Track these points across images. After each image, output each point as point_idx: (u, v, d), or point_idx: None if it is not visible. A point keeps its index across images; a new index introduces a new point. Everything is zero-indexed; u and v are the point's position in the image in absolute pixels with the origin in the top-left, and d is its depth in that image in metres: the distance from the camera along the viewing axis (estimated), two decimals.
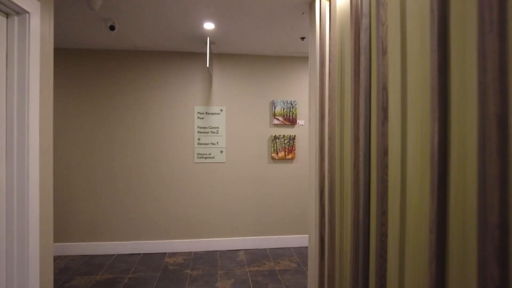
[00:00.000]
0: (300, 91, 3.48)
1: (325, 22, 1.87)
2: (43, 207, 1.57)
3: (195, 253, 3.28)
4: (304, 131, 3.48)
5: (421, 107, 1.08)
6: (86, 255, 3.18)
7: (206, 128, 3.34)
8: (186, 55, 3.32)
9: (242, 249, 3.37)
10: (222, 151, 3.36)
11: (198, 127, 3.33)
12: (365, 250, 1.44)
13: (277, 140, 3.41)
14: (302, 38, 2.83)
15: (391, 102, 1.21)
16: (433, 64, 0.99)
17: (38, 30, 1.52)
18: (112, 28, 2.48)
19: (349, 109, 1.64)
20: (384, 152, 1.22)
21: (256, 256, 3.21)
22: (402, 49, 1.19)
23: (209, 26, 2.58)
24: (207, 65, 2.67)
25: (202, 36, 2.82)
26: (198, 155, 3.33)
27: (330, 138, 1.74)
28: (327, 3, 1.84)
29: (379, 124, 1.24)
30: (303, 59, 3.47)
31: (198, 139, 3.33)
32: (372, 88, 1.42)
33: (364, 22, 1.46)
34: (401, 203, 1.19)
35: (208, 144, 3.35)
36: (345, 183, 1.70)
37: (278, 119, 3.42)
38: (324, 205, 1.87)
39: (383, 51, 1.23)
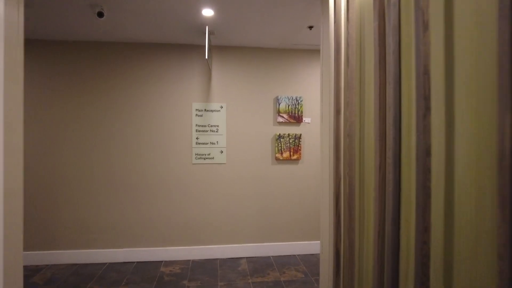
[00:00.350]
0: (307, 87, 3.23)
1: (341, 2, 1.62)
2: (9, 214, 1.32)
3: (193, 261, 3.03)
4: (311, 129, 3.23)
5: (478, 94, 0.84)
6: (76, 264, 2.94)
7: (205, 126, 3.10)
8: (183, 47, 3.08)
9: (244, 257, 3.13)
10: (222, 151, 3.12)
11: (196, 125, 3.09)
12: (393, 271, 1.20)
13: (281, 139, 3.16)
14: (310, 27, 2.58)
15: (435, 89, 0.96)
16: (503, 36, 0.74)
17: (2, 12, 1.28)
18: (100, 14, 2.23)
19: (372, 101, 1.39)
20: (426, 152, 0.97)
21: (260, 264, 2.96)
22: (447, 22, 0.94)
23: (208, 12, 2.33)
24: (206, 57, 2.42)
25: (200, 25, 2.57)
26: (196, 155, 3.08)
27: (349, 136, 1.49)
28: None
29: (419, 117, 0.99)
30: (310, 52, 3.22)
31: (197, 138, 3.09)
32: (404, 74, 1.17)
33: None
34: (446, 217, 0.94)
35: (207, 143, 3.10)
36: (366, 188, 1.45)
37: (282, 117, 3.17)
38: (341, 213, 1.62)
39: (424, 26, 0.98)
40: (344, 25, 1.59)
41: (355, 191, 1.48)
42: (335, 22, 1.66)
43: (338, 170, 1.62)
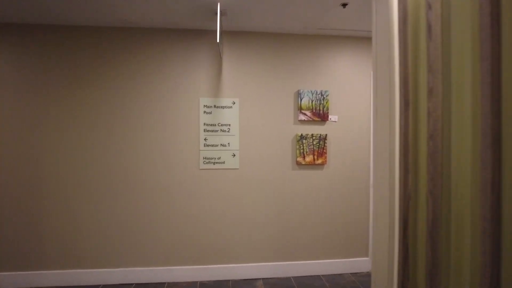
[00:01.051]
0: (333, 79, 2.77)
1: None
2: None
3: (202, 283, 2.59)
4: (338, 129, 2.77)
5: None
6: (65, 287, 2.51)
7: (214, 125, 2.66)
8: (189, 33, 2.64)
9: (260, 278, 2.68)
10: (234, 155, 2.68)
11: (204, 124, 2.65)
12: None
13: (303, 141, 2.71)
14: (344, 5, 2.13)
15: None
16: None
17: None
18: None
19: (469, 87, 0.94)
20: None
21: (279, 287, 2.52)
22: None
23: None
24: (218, 40, 1.98)
25: (210, 3, 2.13)
26: (204, 159, 2.64)
27: (432, 138, 1.03)
28: None
29: None
30: (339, 38, 2.76)
31: (205, 139, 2.65)
32: None
33: None
34: None
35: (217, 145, 2.66)
36: (456, 213, 1.00)
37: (305, 114, 2.72)
38: (409, 244, 1.17)
39: None
40: None
41: (441, 217, 1.02)
42: None
43: (406, 185, 1.17)
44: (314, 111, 2.72)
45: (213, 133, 2.66)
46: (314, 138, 2.71)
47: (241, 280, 2.65)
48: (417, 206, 1.19)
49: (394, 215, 1.25)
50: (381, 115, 1.31)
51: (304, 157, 2.71)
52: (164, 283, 2.59)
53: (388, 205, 1.29)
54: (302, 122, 2.74)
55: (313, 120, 2.74)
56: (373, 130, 1.35)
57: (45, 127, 2.51)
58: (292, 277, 2.71)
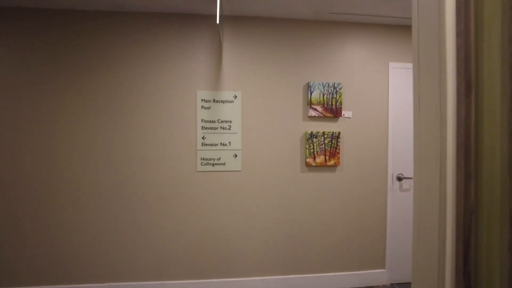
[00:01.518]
0: (347, 70, 2.48)
1: None
2: None
3: None
4: (353, 126, 2.48)
5: None
6: None
7: (213, 122, 2.37)
8: (186, 18, 2.35)
9: None
10: (236, 155, 2.39)
11: (202, 120, 2.36)
12: None
13: (314, 139, 2.42)
14: None
15: None
16: None
17: None
18: None
19: None
20: None
21: None
22: None
23: None
24: (217, 21, 1.70)
25: None
26: (202, 160, 2.36)
27: None
28: None
29: None
30: (355, 25, 2.47)
31: (203, 137, 2.36)
32: None
33: None
34: None
35: (216, 144, 2.37)
36: None
37: (315, 110, 2.43)
38: (471, 274, 0.88)
39: None
40: None
41: None
42: None
43: (468, 196, 0.88)
44: (325, 106, 2.43)
45: (212, 131, 2.37)
46: (325, 136, 2.42)
47: None
48: (479, 225, 0.90)
49: (445, 234, 0.96)
50: (428, 105, 1.01)
51: (314, 158, 2.42)
52: None
53: (437, 221, 0.99)
54: (312, 118, 2.45)
55: (325, 116, 2.44)
56: (415, 126, 1.06)
57: (28, 125, 2.23)
58: None
